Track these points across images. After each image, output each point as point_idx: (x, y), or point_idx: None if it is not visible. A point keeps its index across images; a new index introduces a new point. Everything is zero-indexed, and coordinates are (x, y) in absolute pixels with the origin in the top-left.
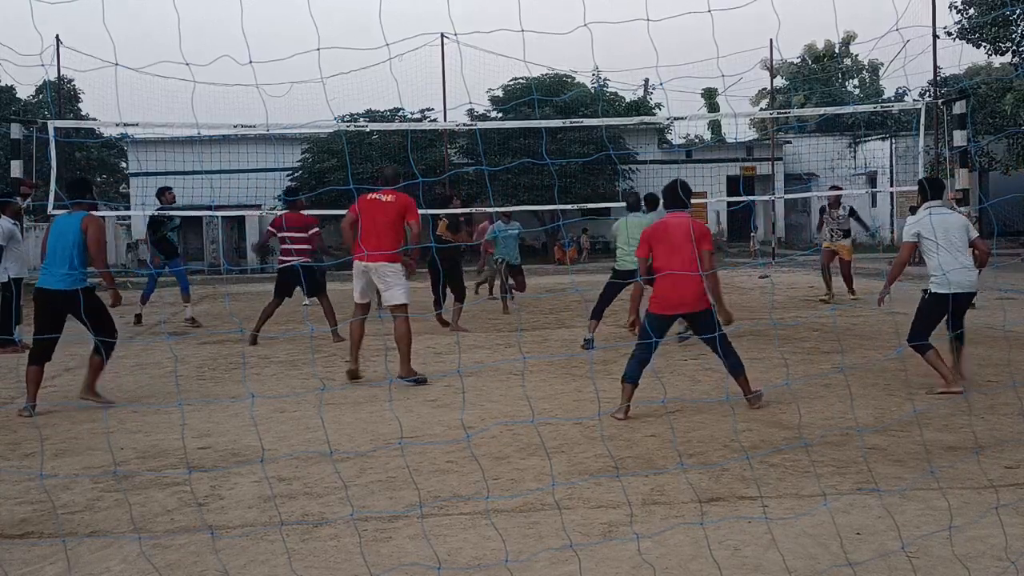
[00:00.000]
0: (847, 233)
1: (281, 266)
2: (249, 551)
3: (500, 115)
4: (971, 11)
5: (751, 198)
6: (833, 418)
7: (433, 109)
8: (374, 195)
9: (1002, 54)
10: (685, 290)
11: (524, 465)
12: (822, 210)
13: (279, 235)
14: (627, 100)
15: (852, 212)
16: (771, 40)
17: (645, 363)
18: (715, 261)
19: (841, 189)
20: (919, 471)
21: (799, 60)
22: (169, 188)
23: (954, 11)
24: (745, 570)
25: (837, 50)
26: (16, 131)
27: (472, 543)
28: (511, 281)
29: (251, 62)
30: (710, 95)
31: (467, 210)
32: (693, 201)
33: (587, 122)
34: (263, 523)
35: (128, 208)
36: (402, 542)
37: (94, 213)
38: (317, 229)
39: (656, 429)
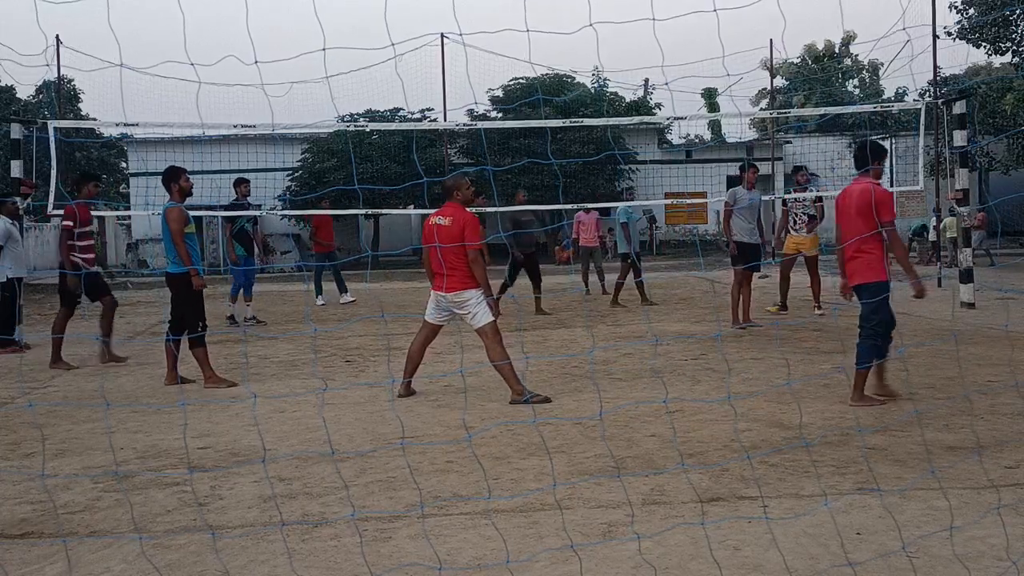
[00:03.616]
0: (811, 220)
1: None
2: (249, 551)
3: (500, 115)
4: (971, 11)
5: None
6: (833, 418)
7: (433, 109)
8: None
9: (1002, 54)
10: (848, 263)
11: (524, 465)
12: (785, 202)
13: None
14: (627, 100)
15: (819, 200)
16: (771, 40)
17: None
18: (894, 231)
19: (812, 173)
20: (919, 471)
21: (799, 60)
22: (246, 180)
23: (954, 11)
24: (745, 570)
25: (837, 50)
26: (16, 131)
27: (472, 543)
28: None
29: (256, 62)
30: (710, 95)
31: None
32: (691, 202)
33: (587, 122)
34: (263, 523)
35: (128, 208)
36: (402, 542)
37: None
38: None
39: (656, 429)
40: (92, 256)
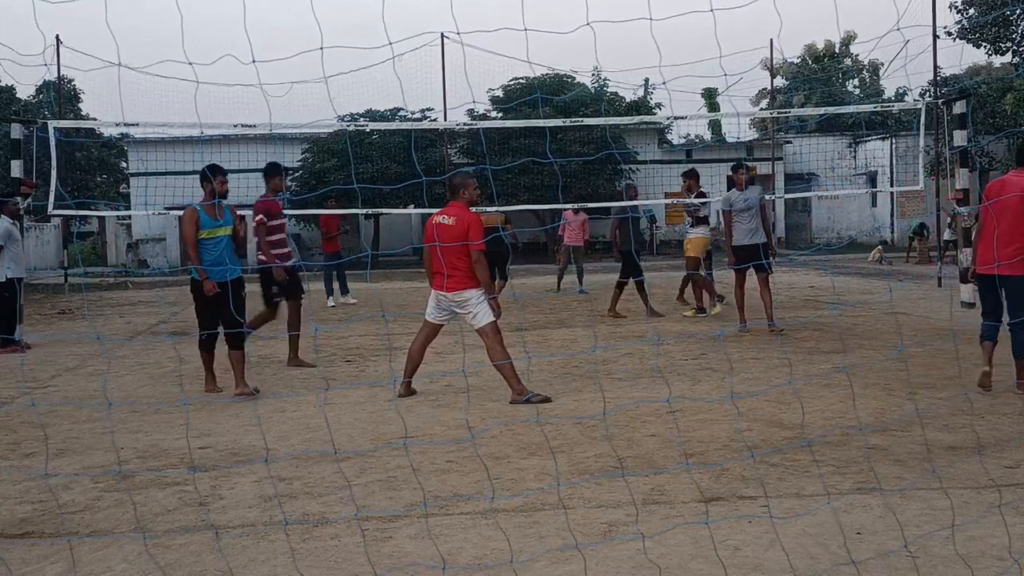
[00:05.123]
0: (700, 221)
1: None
2: (250, 551)
3: (500, 115)
4: (971, 11)
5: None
6: (834, 418)
7: (433, 109)
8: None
9: (1002, 54)
10: (1001, 250)
11: (525, 465)
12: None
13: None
14: (627, 100)
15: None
16: (771, 40)
17: (991, 321)
18: None
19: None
20: (920, 471)
21: (799, 60)
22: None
23: (954, 11)
24: (746, 569)
25: (837, 50)
26: (16, 131)
27: (473, 543)
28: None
29: (254, 61)
30: (710, 95)
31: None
32: (691, 201)
33: (587, 121)
34: (264, 523)
35: (128, 208)
36: (403, 542)
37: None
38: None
39: (657, 429)
40: (286, 251)
